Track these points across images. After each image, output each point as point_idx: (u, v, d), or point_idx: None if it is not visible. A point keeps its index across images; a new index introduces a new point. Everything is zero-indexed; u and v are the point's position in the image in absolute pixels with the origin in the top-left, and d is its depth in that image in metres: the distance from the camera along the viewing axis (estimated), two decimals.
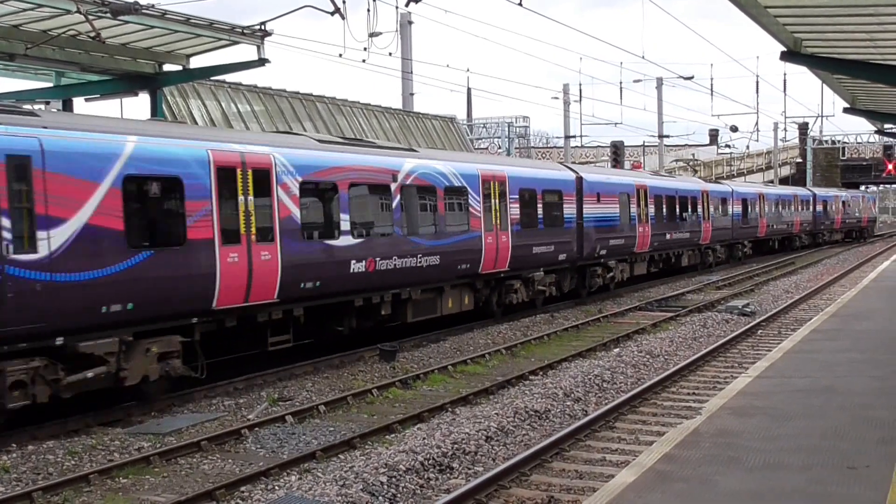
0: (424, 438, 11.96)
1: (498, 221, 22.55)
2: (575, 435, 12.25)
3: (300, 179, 16.43)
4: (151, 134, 14.15)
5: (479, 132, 65.37)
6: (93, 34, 18.21)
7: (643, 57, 67.42)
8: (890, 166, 73.75)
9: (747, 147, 79.21)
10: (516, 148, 65.04)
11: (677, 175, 50.45)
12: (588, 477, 10.66)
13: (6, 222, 11.71)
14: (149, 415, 14.00)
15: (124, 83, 22.57)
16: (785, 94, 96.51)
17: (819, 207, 60.79)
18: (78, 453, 11.79)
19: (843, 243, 65.85)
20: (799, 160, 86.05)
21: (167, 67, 22.41)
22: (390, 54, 28.51)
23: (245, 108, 32.44)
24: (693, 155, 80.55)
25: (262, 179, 15.62)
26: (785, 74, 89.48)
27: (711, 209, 39.82)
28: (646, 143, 68.99)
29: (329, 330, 18.33)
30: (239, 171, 15.16)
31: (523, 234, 23.70)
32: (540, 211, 24.75)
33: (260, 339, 16.51)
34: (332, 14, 20.13)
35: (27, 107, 16.30)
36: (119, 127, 13.96)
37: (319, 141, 18.20)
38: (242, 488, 10.39)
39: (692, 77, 53.37)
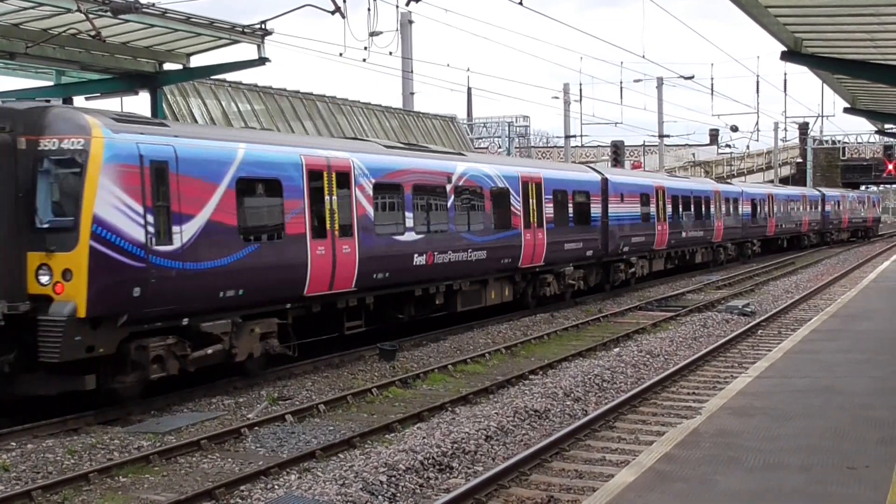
0: (424, 438, 11.96)
1: (535, 220, 24.50)
2: (575, 434, 12.25)
3: (373, 181, 18.32)
4: (256, 141, 16.26)
5: (480, 132, 65.35)
6: (93, 33, 18.20)
7: (643, 56, 67.53)
8: (890, 166, 73.82)
9: (747, 147, 79.12)
10: (516, 147, 64.99)
11: (678, 174, 50.86)
12: (588, 477, 10.66)
13: (150, 218, 13.57)
14: (148, 414, 14.00)
15: (125, 82, 22.55)
16: (785, 94, 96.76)
17: (828, 207, 62.65)
18: (78, 452, 11.78)
19: (842, 243, 66.00)
20: (799, 160, 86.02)
21: (167, 66, 22.39)
22: (390, 53, 28.60)
23: (245, 107, 32.42)
24: (693, 155, 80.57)
25: (344, 181, 17.51)
26: (785, 74, 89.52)
27: (723, 209, 41.44)
28: (646, 143, 68.97)
29: (391, 317, 19.92)
30: (325, 174, 17.08)
31: (556, 232, 25.62)
32: (570, 210, 26.82)
33: (337, 324, 18.18)
34: (333, 13, 20.10)
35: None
36: (232, 135, 16.69)
37: (386, 146, 20.43)
38: (242, 487, 10.39)
39: (692, 77, 53.41)
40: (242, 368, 15.87)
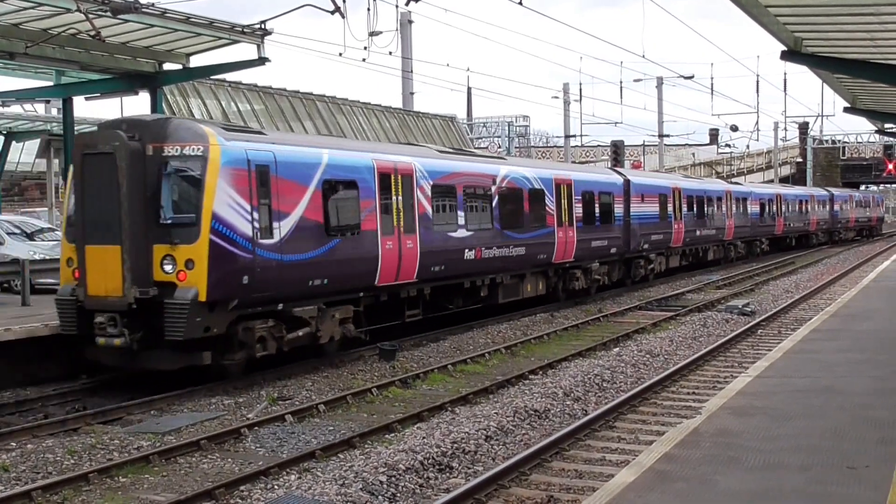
0: (424, 438, 11.95)
1: (566, 219, 26.38)
2: (575, 434, 12.24)
3: (431, 183, 20.18)
4: (337, 147, 18.26)
5: (480, 131, 65.40)
6: (93, 33, 18.21)
7: (643, 56, 67.73)
8: (890, 166, 73.87)
9: (747, 147, 79.23)
10: (516, 147, 65.00)
11: (682, 174, 51.16)
12: (588, 476, 10.65)
13: (256, 215, 15.28)
14: (148, 414, 14.01)
15: (124, 82, 22.55)
16: (785, 94, 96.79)
17: (837, 207, 64.82)
18: (77, 452, 11.77)
19: (843, 242, 66.17)
20: (799, 160, 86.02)
21: (167, 66, 22.40)
22: (390, 53, 28.63)
23: (245, 107, 32.42)
24: (693, 154, 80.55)
25: (408, 183, 19.34)
26: (785, 74, 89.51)
27: (734, 208, 43.26)
28: (646, 143, 68.97)
29: (442, 307, 21.66)
30: (392, 177, 18.88)
31: (585, 230, 27.52)
32: (597, 210, 28.76)
33: (399, 312, 19.90)
34: (333, 13, 20.11)
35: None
36: (318, 142, 18.67)
37: (439, 151, 22.46)
38: (242, 487, 10.38)
39: (692, 76, 53.49)
40: (322, 350, 17.59)
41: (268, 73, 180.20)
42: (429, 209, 19.97)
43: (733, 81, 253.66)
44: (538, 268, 25.23)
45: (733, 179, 66.37)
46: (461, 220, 21.24)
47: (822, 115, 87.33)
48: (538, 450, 11.29)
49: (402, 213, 19.00)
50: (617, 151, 51.67)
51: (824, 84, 26.06)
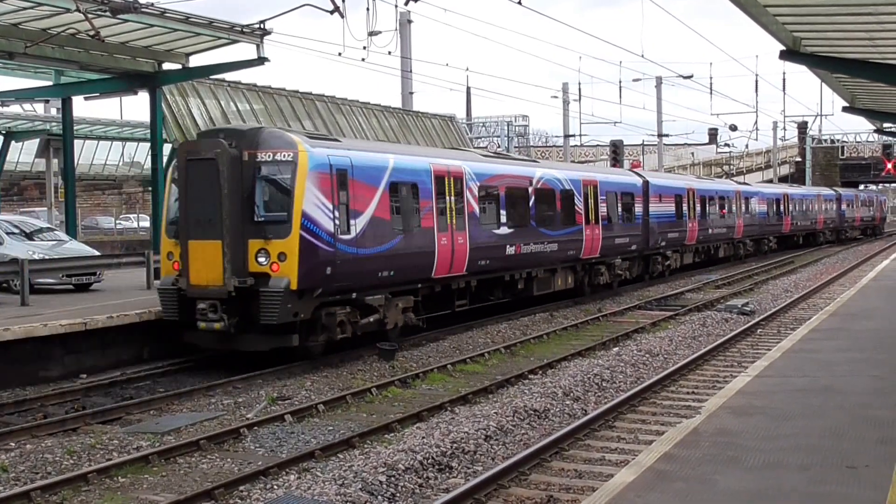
0: (423, 437, 11.95)
1: (593, 217, 28.28)
2: (574, 434, 12.23)
3: (478, 184, 21.99)
4: (400, 153, 20.26)
5: (479, 131, 65.34)
6: (92, 33, 18.21)
7: (643, 56, 67.81)
8: (889, 165, 73.96)
9: (746, 146, 79.19)
10: (515, 147, 64.94)
11: (678, 173, 51.59)
12: (587, 476, 10.65)
13: (336, 213, 16.98)
14: (147, 414, 14.00)
15: (123, 82, 22.57)
16: (784, 93, 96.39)
17: (844, 206, 66.89)
18: (76, 452, 11.76)
19: (844, 242, 66.33)
20: (798, 159, 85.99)
21: (166, 66, 22.41)
22: (389, 53, 28.50)
23: (244, 107, 32.37)
24: (692, 154, 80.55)
25: (459, 184, 21.14)
26: (784, 73, 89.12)
27: (743, 208, 45.32)
28: (645, 143, 68.89)
29: (485, 298, 23.47)
30: (446, 179, 20.68)
31: (608, 228, 29.43)
32: (619, 209, 30.73)
33: (449, 301, 21.79)
34: (332, 13, 20.13)
35: None
36: (385, 148, 21.57)
37: (483, 156, 24.76)
38: (241, 487, 10.36)
39: (691, 76, 53.52)
40: (387, 336, 18.97)
41: (267, 73, 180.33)
42: (476, 208, 21.79)
43: (732, 81, 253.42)
44: (567, 263, 27.04)
45: (737, 179, 66.47)
46: (503, 219, 23.03)
47: (821, 115, 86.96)
48: (538, 449, 11.28)
49: (454, 212, 20.81)
50: (616, 151, 51.66)
51: (823, 84, 26.08)
